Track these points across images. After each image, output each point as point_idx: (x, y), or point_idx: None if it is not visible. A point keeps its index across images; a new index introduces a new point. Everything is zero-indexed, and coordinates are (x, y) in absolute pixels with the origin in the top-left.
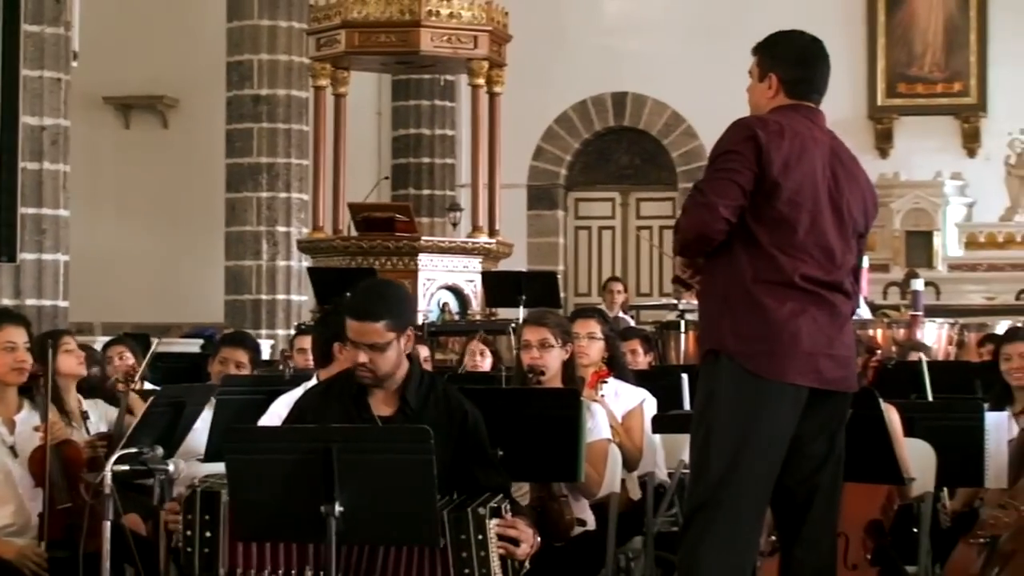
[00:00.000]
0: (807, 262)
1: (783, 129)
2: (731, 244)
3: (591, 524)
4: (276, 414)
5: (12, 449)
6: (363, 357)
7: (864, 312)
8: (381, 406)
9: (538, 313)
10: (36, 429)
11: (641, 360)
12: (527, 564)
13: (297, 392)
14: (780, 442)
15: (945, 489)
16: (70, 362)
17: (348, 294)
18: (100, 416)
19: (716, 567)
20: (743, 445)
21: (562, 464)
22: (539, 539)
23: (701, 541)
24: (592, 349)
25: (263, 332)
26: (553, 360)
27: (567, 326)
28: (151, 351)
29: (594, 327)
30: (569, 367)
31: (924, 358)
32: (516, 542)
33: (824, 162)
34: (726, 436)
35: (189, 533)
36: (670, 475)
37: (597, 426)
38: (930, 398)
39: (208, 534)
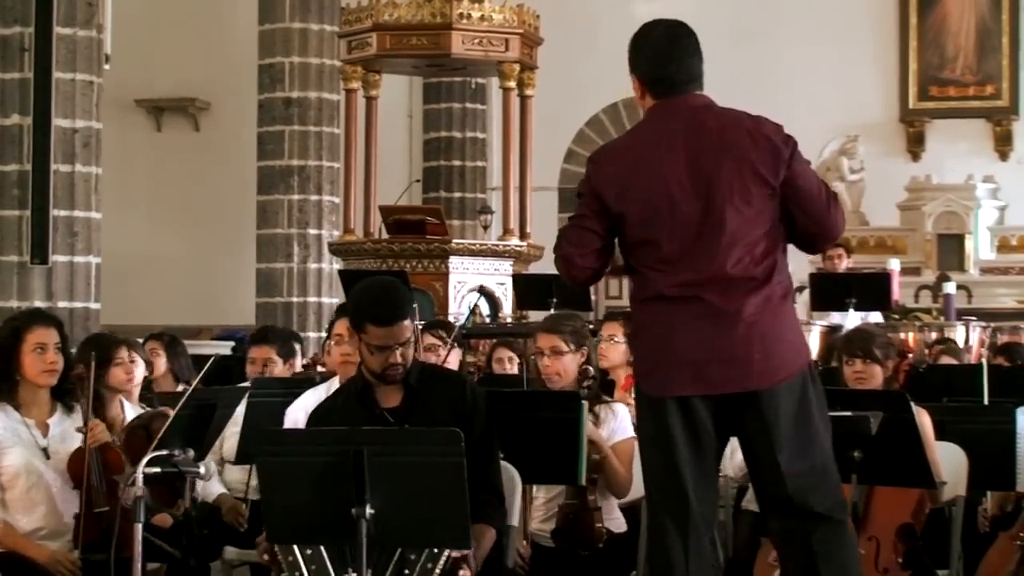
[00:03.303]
0: (677, 269)
1: (613, 155)
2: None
3: (622, 527)
4: (293, 420)
5: (44, 452)
6: (397, 357)
7: (875, 316)
8: (387, 399)
9: (551, 320)
10: (78, 430)
11: None
12: None
13: (309, 394)
14: (686, 453)
15: (989, 494)
16: (118, 376)
17: (356, 302)
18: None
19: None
20: (652, 463)
21: (562, 466)
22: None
23: (656, 550)
24: (611, 352)
25: None
26: (567, 365)
27: (582, 331)
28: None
29: (615, 330)
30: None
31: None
32: None
33: (677, 158)
34: (644, 456)
35: None
36: None
37: (620, 426)
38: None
39: None
